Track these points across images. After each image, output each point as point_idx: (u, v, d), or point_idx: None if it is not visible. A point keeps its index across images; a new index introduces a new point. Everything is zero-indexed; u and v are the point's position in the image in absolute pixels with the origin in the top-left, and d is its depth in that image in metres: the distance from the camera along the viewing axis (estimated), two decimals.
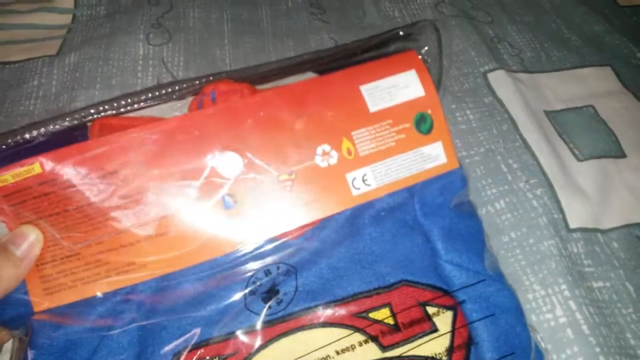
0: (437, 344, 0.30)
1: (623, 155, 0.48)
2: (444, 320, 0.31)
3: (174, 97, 0.36)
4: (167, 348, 0.29)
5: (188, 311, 0.30)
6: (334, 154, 0.33)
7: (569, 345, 0.36)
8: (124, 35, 0.56)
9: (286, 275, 0.31)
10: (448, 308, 0.31)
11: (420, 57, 0.36)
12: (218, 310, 0.30)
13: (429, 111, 0.35)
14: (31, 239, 0.30)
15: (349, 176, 0.33)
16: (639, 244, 0.42)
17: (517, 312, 0.32)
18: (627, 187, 0.45)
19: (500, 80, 0.53)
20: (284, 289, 0.31)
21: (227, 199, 0.31)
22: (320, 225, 0.33)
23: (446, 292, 0.32)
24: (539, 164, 0.46)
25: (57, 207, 0.30)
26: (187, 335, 0.29)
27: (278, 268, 0.31)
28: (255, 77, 0.37)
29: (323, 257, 0.32)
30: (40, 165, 0.30)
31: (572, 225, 0.42)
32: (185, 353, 0.29)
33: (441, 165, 0.34)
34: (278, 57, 0.56)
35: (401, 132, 0.34)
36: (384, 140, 0.34)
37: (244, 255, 0.31)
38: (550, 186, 0.44)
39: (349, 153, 0.33)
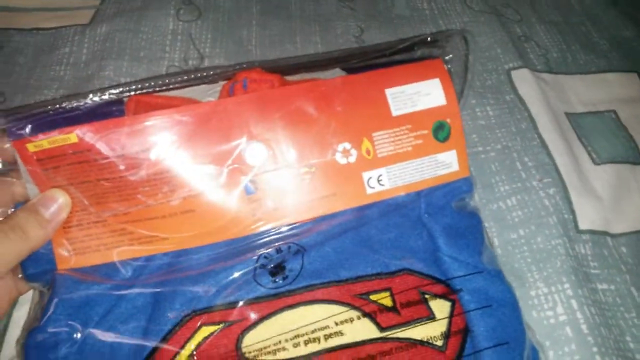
0: (433, 329, 0.31)
1: None
2: (441, 308, 0.32)
3: (208, 80, 0.37)
4: (177, 311, 0.31)
5: (200, 280, 0.31)
6: (354, 152, 0.34)
7: (567, 343, 0.36)
8: (155, 10, 0.58)
9: (295, 254, 0.33)
10: (446, 298, 0.32)
11: (445, 65, 0.37)
12: (228, 281, 0.31)
13: (448, 120, 0.36)
14: (60, 202, 0.31)
15: (365, 175, 0.35)
16: None
17: (514, 306, 0.33)
18: None
19: (523, 79, 0.53)
20: (290, 266, 0.32)
21: (249, 185, 0.33)
22: (328, 217, 0.34)
23: (445, 283, 0.33)
24: (554, 164, 0.46)
25: (89, 175, 0.32)
26: (197, 301, 0.31)
27: (289, 248, 0.33)
28: (285, 69, 0.38)
29: (330, 240, 0.33)
30: (77, 135, 0.31)
31: (582, 226, 0.42)
32: (193, 316, 0.30)
33: (453, 172, 0.36)
34: (304, 41, 0.56)
35: (419, 137, 0.36)
36: (402, 144, 0.35)
37: (259, 236, 0.33)
38: (564, 186, 0.44)
39: (368, 153, 0.35)
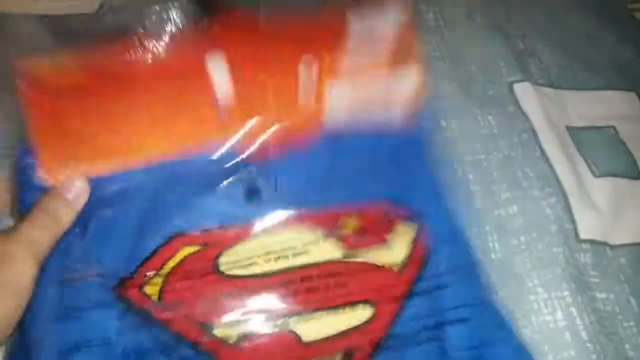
0: (396, 254, 0.34)
1: (639, 177, 0.48)
2: (403, 236, 0.35)
3: None
4: (160, 232, 0.33)
5: (182, 205, 0.34)
6: (315, 68, 0.38)
7: (566, 348, 0.36)
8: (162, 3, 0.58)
9: (266, 175, 0.36)
10: (411, 222, 0.35)
11: None
12: (207, 206, 0.34)
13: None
14: (78, 186, 0.34)
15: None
16: None
17: (468, 242, 0.37)
18: (639, 207, 0.46)
19: (525, 92, 0.54)
20: (265, 189, 0.36)
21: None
22: (300, 149, 0.37)
23: (410, 217, 0.36)
24: (555, 174, 0.46)
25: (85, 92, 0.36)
26: (179, 225, 0.33)
27: (257, 168, 0.36)
28: None
29: (302, 172, 0.36)
30: None
31: (582, 236, 0.43)
32: (176, 237, 0.33)
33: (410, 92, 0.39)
34: None
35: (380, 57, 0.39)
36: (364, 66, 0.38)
37: (228, 151, 0.36)
38: (565, 197, 0.45)
39: (330, 70, 0.37)
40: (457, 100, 0.53)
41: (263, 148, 0.38)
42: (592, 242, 0.42)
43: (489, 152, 0.48)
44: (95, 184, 0.35)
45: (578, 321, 0.37)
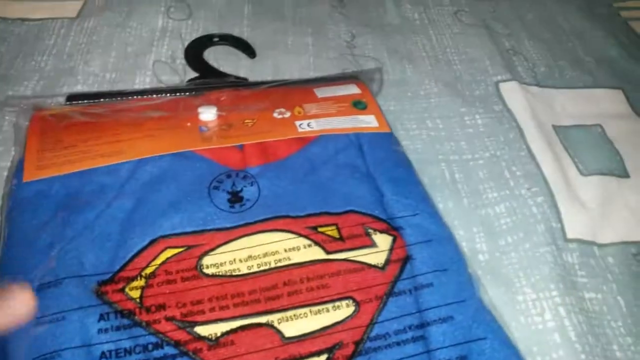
0: (376, 257, 0.34)
1: (626, 176, 0.48)
2: (384, 241, 0.35)
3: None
4: (143, 235, 0.33)
5: (167, 210, 0.35)
6: (288, 113, 0.43)
7: (554, 348, 0.35)
8: (146, 5, 0.57)
9: (249, 184, 0.38)
10: (389, 234, 0.35)
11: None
12: (190, 211, 0.35)
13: (364, 100, 0.45)
14: (23, 306, 0.29)
15: (297, 123, 0.43)
16: (633, 261, 0.42)
17: (452, 241, 0.36)
18: (627, 206, 0.45)
19: (511, 91, 0.54)
20: (247, 196, 0.37)
21: (202, 127, 0.41)
22: (280, 163, 0.40)
23: (388, 222, 0.36)
24: (542, 173, 0.46)
25: (77, 118, 0.41)
26: (163, 228, 0.34)
27: (237, 174, 0.38)
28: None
29: (282, 182, 0.38)
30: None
31: (570, 235, 0.42)
32: (159, 240, 0.33)
33: (374, 127, 0.43)
34: (296, 42, 0.56)
35: (341, 106, 0.44)
36: (328, 109, 0.44)
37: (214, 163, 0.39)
38: (552, 196, 0.44)
39: (299, 113, 0.43)
40: (443, 99, 0.53)
41: (246, 156, 0.39)
42: (580, 241, 0.42)
43: (476, 152, 0.48)
44: (78, 180, 0.35)
45: (566, 322, 0.36)
